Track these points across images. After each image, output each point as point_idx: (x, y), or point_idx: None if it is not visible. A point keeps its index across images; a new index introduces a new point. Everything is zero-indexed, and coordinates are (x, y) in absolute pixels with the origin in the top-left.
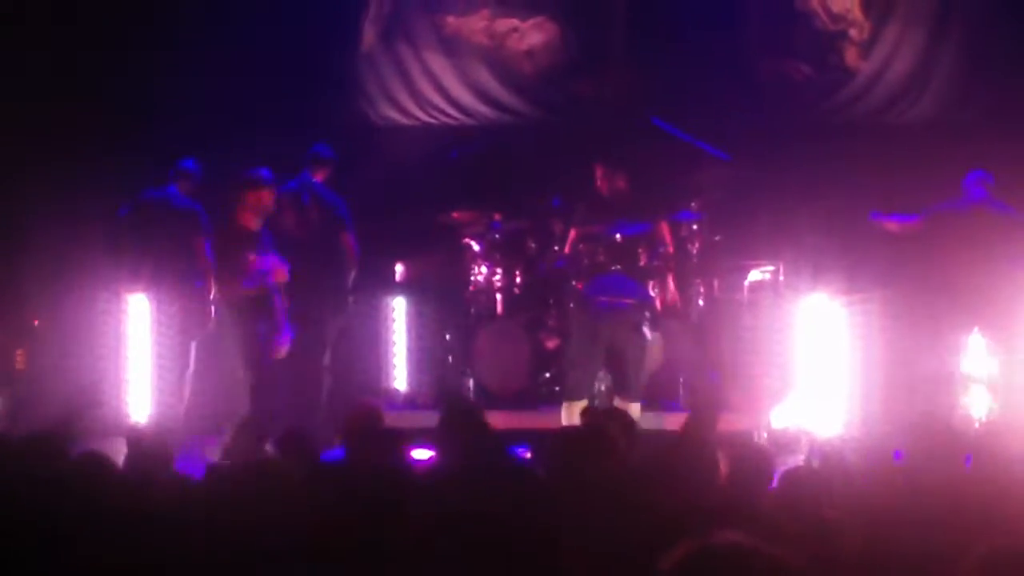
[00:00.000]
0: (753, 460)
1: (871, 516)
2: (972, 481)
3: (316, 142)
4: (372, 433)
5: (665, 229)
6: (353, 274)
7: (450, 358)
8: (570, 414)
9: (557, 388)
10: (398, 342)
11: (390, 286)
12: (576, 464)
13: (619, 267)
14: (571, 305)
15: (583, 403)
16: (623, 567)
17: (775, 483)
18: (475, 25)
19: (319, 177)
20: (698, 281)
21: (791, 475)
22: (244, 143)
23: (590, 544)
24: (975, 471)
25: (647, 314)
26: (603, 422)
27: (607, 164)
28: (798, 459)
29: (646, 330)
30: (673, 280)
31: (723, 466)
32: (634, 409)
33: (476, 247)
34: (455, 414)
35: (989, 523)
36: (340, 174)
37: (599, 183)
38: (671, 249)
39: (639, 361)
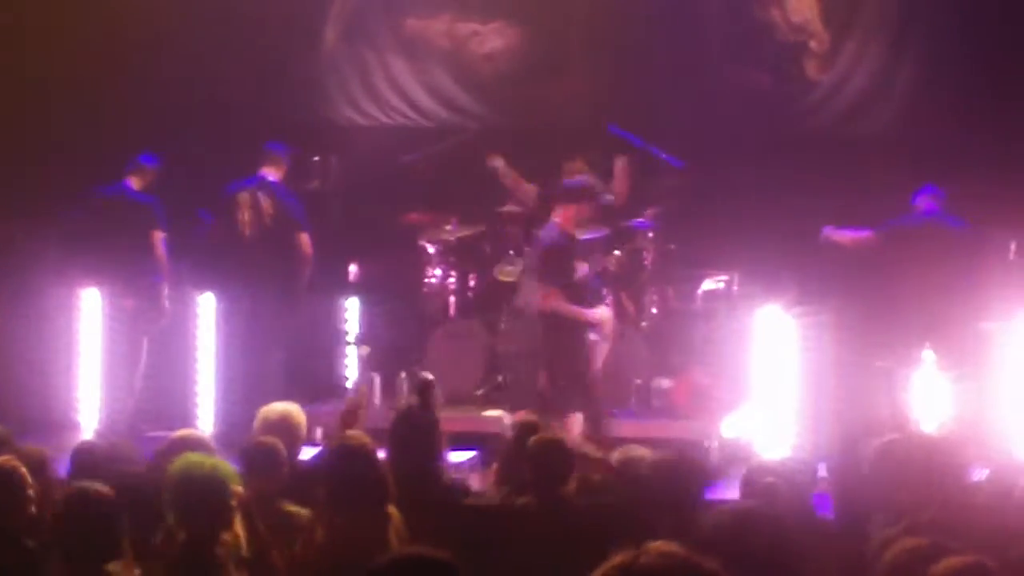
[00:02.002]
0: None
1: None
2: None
3: (271, 141)
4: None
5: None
6: (307, 274)
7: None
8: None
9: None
10: (350, 342)
11: (344, 286)
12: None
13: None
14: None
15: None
16: None
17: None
18: (436, 28)
19: (275, 176)
20: (652, 290)
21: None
22: (203, 142)
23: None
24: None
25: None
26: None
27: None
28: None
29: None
30: (626, 288)
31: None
32: (575, 421)
33: (431, 249)
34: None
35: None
36: (298, 174)
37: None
38: (624, 258)
39: (578, 372)
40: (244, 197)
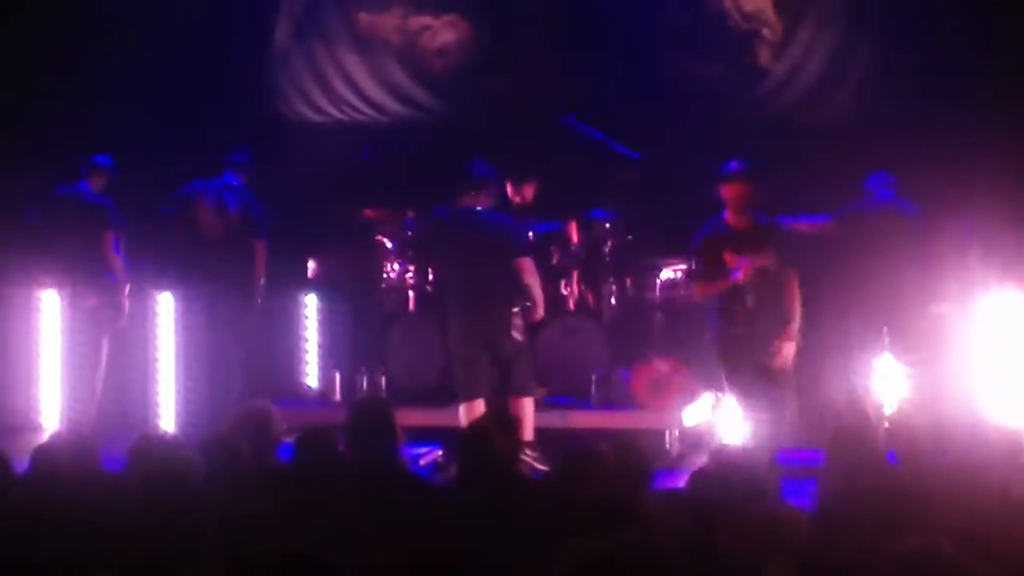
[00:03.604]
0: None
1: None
2: (887, 482)
3: (237, 144)
4: (264, 432)
5: (574, 228)
6: (261, 280)
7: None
8: (468, 414)
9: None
10: (310, 339)
11: (302, 282)
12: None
13: None
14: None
15: (479, 402)
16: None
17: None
18: (388, 23)
19: (241, 180)
20: (611, 280)
21: (697, 476)
22: (156, 140)
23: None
24: (888, 471)
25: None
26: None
27: (515, 179)
28: (703, 460)
29: (515, 333)
30: (581, 278)
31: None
32: (526, 404)
33: (389, 244)
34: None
35: (904, 523)
36: (255, 172)
37: (510, 195)
38: (580, 248)
39: (517, 358)
40: (208, 198)
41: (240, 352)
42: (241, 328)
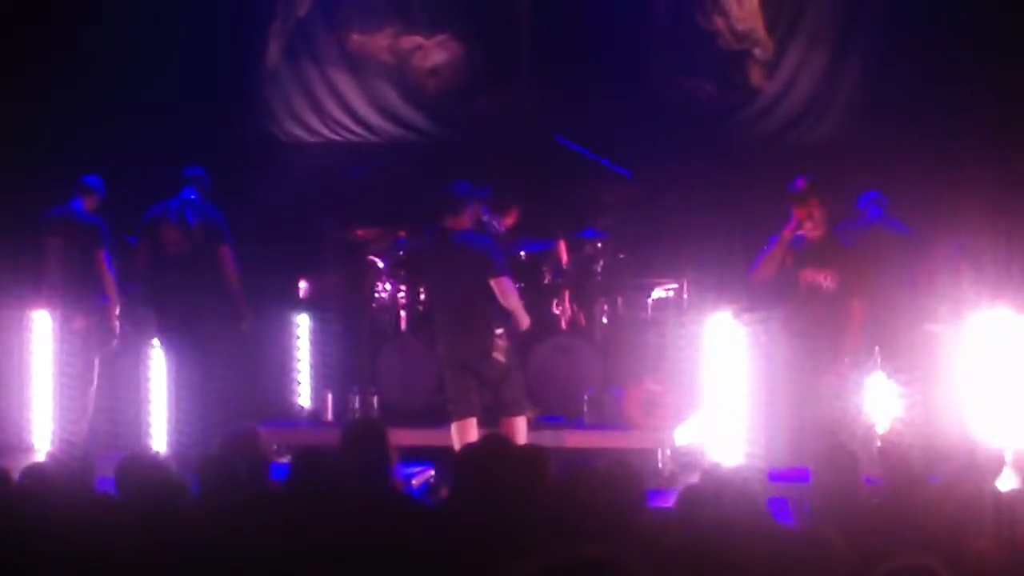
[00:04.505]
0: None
1: (772, 540)
2: (875, 502)
3: (188, 164)
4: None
5: (565, 247)
6: (238, 287)
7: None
8: (459, 433)
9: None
10: (302, 359)
11: (294, 303)
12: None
13: (521, 285)
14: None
15: (471, 421)
16: None
17: (674, 503)
18: (380, 42)
19: (197, 194)
20: (602, 299)
21: (688, 495)
22: (148, 160)
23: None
24: (877, 491)
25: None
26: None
27: (495, 208)
28: (695, 479)
29: (497, 355)
30: (573, 298)
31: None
32: (518, 424)
33: (380, 264)
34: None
35: (893, 543)
36: (244, 191)
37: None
38: (571, 267)
39: (505, 379)
40: (168, 218)
41: (227, 371)
42: (222, 346)
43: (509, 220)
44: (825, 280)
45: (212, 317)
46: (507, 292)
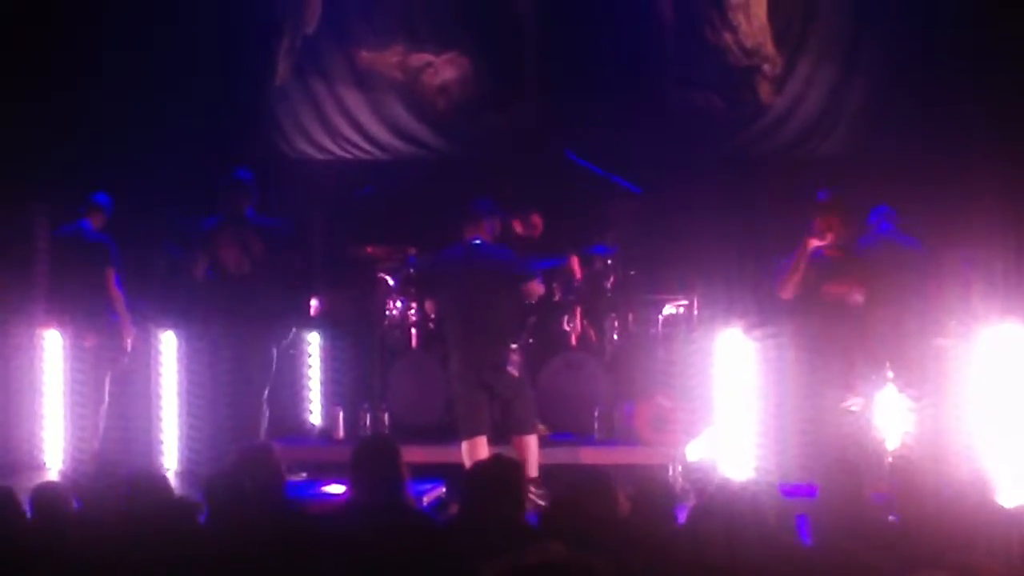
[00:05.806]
0: (656, 496)
1: (783, 556)
2: (880, 519)
3: (237, 169)
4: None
5: (576, 263)
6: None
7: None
8: (470, 451)
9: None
10: (313, 376)
11: (305, 320)
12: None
13: (532, 302)
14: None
15: (481, 439)
16: None
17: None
18: (389, 59)
19: (249, 207)
20: (612, 315)
21: (698, 511)
22: (157, 177)
23: None
24: (887, 507)
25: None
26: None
27: (521, 214)
28: (706, 495)
29: (510, 368)
30: (584, 314)
31: (624, 502)
32: (529, 441)
33: (391, 281)
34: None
35: (903, 559)
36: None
37: (520, 231)
38: (582, 284)
39: (517, 395)
40: (227, 233)
41: (267, 387)
42: (272, 361)
43: (536, 224)
44: (854, 294)
45: (267, 334)
46: (538, 291)
